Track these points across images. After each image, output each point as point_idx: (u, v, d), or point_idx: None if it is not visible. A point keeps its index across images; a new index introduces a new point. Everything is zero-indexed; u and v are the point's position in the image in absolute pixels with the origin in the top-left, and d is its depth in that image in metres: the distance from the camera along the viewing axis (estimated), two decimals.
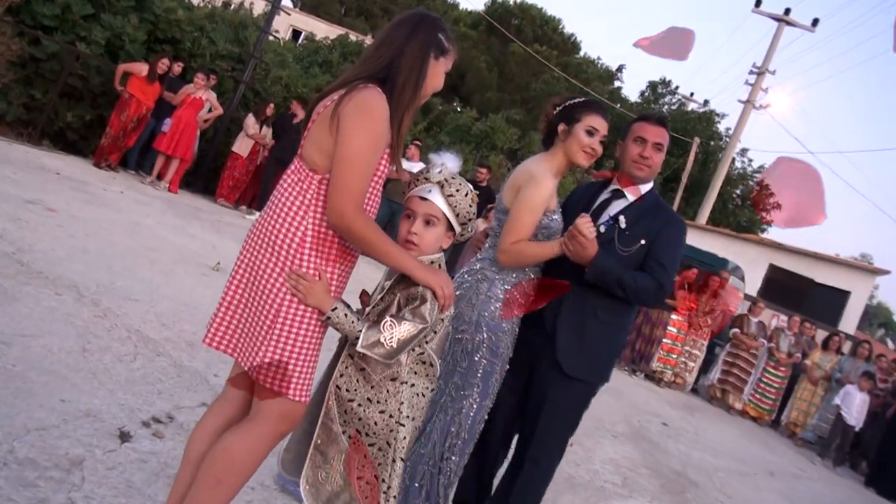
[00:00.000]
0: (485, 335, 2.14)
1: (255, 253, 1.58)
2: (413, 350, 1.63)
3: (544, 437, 2.21)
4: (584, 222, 2.06)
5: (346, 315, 1.55)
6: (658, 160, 2.29)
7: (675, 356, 8.28)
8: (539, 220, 2.16)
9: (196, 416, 2.46)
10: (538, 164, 2.23)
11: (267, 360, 1.53)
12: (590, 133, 2.21)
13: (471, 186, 1.75)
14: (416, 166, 8.38)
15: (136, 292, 3.63)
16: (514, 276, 2.19)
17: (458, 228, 1.73)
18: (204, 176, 8.73)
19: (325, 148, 1.54)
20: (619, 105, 24.10)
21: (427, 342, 1.66)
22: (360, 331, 1.54)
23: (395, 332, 1.54)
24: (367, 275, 1.74)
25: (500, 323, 2.15)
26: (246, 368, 1.57)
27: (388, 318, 1.55)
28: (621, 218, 2.23)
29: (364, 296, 1.77)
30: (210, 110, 8.11)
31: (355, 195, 1.49)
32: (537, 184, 2.15)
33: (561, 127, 2.24)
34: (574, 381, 2.20)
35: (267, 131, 8.56)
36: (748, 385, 8.52)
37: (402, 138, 1.60)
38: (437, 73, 1.65)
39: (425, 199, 1.69)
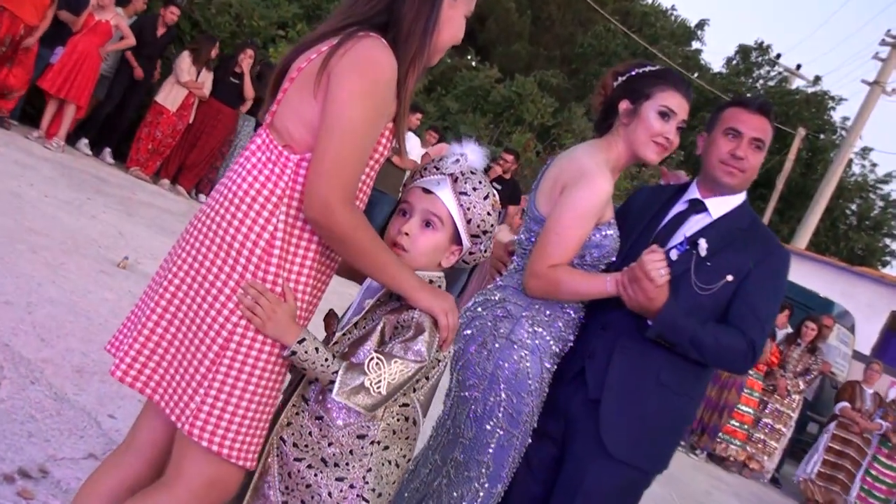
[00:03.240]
0: (502, 396, 2.13)
1: (199, 256, 1.58)
2: (396, 400, 1.64)
3: None
4: (654, 260, 2.05)
5: (316, 350, 1.55)
6: (756, 162, 2.31)
7: (748, 428, 8.31)
8: (588, 235, 2.16)
9: (81, 473, 2.46)
10: (592, 154, 2.23)
11: (206, 410, 1.54)
12: (664, 116, 2.21)
13: (493, 190, 1.76)
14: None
15: (8, 292, 3.64)
16: (549, 312, 2.19)
17: (466, 241, 1.74)
18: (105, 130, 8.66)
19: (308, 118, 1.55)
20: (695, 74, 24.22)
21: (414, 390, 1.67)
22: (336, 372, 1.55)
23: (384, 373, 1.54)
24: (331, 287, 1.74)
25: (525, 380, 2.14)
26: (172, 418, 1.58)
27: (374, 355, 1.56)
28: (701, 242, 2.22)
29: (331, 319, 1.77)
30: (121, 40, 8.14)
31: (346, 181, 1.51)
32: (590, 184, 2.13)
33: (624, 105, 2.25)
34: (621, 467, 2.20)
35: (207, 77, 8.61)
36: (856, 480, 8.35)
37: (406, 107, 1.62)
38: (454, 19, 1.66)
39: (430, 192, 1.71)
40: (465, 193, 1.71)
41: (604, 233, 2.19)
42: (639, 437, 2.20)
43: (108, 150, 8.49)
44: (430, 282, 1.69)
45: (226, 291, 1.54)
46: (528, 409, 2.15)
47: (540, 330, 2.18)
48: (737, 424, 8.27)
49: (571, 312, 2.23)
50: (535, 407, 2.18)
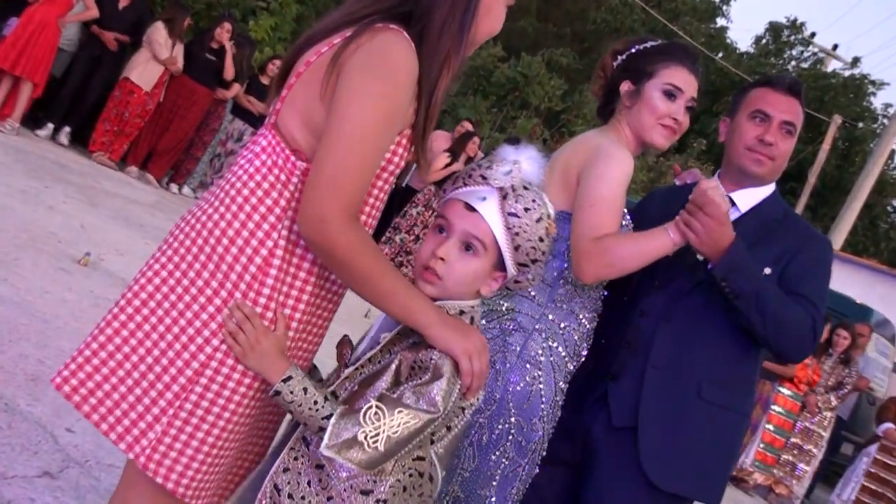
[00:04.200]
0: (512, 420, 2.10)
1: (183, 264, 1.55)
2: (409, 452, 1.54)
3: None
4: (711, 184, 2.05)
5: (304, 391, 1.49)
6: (786, 149, 2.30)
7: (778, 451, 8.30)
8: (623, 204, 2.14)
9: (34, 493, 2.45)
10: (602, 135, 2.25)
11: (166, 443, 1.51)
12: (669, 95, 2.22)
13: (551, 209, 1.66)
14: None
15: None
16: (564, 324, 2.18)
17: (512, 270, 1.65)
18: (66, 111, 8.61)
19: (315, 121, 1.51)
20: (720, 54, 24.21)
21: (432, 442, 1.57)
22: (327, 418, 1.48)
23: (384, 425, 1.45)
24: (351, 309, 1.71)
25: (538, 404, 2.11)
26: (121, 446, 1.54)
27: (372, 402, 1.47)
28: None
29: (344, 347, 1.71)
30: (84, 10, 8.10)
31: (348, 194, 1.45)
32: (613, 154, 2.13)
33: (625, 87, 2.26)
34: (665, 498, 2.17)
35: (179, 50, 8.59)
36: None
37: (434, 114, 1.57)
38: (494, 8, 1.62)
39: (473, 209, 1.60)
40: (515, 214, 1.60)
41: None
42: (687, 463, 2.17)
43: (66, 131, 8.38)
44: (461, 313, 1.61)
45: (209, 309, 1.50)
46: (538, 435, 2.12)
47: (555, 345, 2.16)
48: (762, 447, 8.21)
49: (587, 324, 2.22)
50: (546, 433, 2.15)
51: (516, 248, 1.62)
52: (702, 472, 2.20)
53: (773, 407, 8.20)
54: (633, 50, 2.29)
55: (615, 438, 2.20)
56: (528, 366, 2.12)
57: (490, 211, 1.60)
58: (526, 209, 1.60)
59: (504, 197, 1.60)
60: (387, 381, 1.55)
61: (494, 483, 2.10)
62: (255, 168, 1.54)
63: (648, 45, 2.29)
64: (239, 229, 1.51)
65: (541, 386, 2.12)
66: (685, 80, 2.22)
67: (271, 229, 1.51)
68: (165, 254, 1.59)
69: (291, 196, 1.52)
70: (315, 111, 1.51)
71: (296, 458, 1.59)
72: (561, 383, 2.17)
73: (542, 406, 2.12)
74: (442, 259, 1.58)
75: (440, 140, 8.83)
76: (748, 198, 2.30)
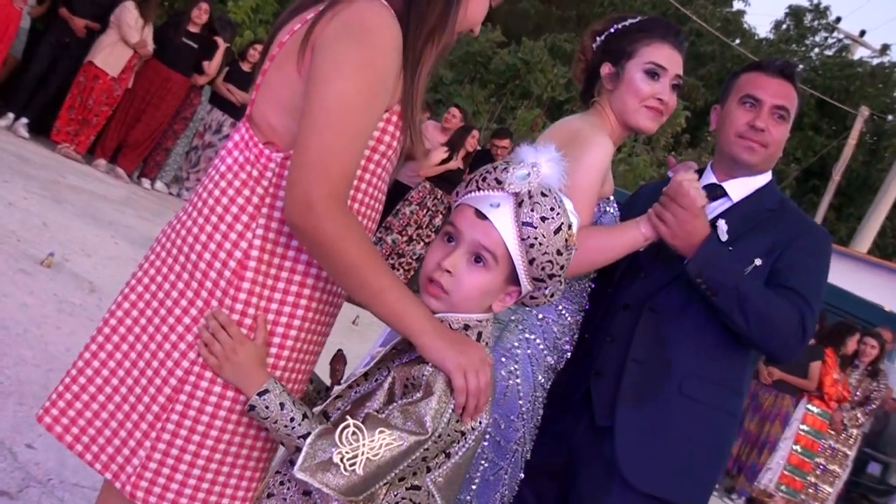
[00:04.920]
0: (486, 419, 2.12)
1: (158, 276, 1.57)
2: (399, 480, 1.51)
3: None
4: (688, 178, 2.09)
5: (281, 407, 1.48)
6: (779, 136, 2.34)
7: (805, 474, 8.18)
8: (598, 193, 2.17)
9: None
10: (582, 118, 2.30)
11: (152, 468, 1.52)
12: (652, 74, 2.24)
13: (573, 215, 1.61)
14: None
15: None
16: (542, 315, 2.21)
17: (526, 285, 1.60)
18: (28, 100, 8.53)
19: (292, 104, 1.51)
20: (736, 41, 24.24)
21: (429, 469, 1.53)
22: (304, 437, 1.46)
23: (362, 447, 1.42)
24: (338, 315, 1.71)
25: (515, 400, 2.14)
26: (107, 475, 1.56)
27: (349, 422, 1.43)
28: (721, 224, 2.27)
29: (338, 363, 1.71)
30: None
31: (334, 175, 1.43)
32: (588, 140, 2.16)
33: (605, 69, 2.30)
34: (645, 500, 2.20)
35: (148, 32, 8.52)
36: None
37: (420, 91, 1.57)
38: None
39: (484, 216, 1.56)
40: (530, 224, 1.54)
41: (603, 209, 2.22)
42: (665, 462, 2.21)
43: (22, 122, 8.22)
44: (466, 328, 1.57)
45: (185, 321, 1.52)
46: (518, 435, 2.15)
47: (532, 337, 2.19)
48: (789, 469, 8.09)
49: (568, 316, 2.24)
50: (527, 433, 2.18)
51: (531, 262, 1.57)
52: (682, 472, 2.23)
53: (802, 427, 8.08)
54: (612, 29, 2.32)
55: (599, 439, 2.23)
56: (503, 359, 2.15)
57: (503, 219, 1.55)
58: (543, 218, 1.55)
59: (519, 204, 1.55)
60: (379, 400, 1.53)
61: (474, 487, 2.12)
62: (227, 166, 1.56)
63: (627, 22, 2.32)
64: (211, 233, 1.53)
65: (518, 380, 2.14)
66: (668, 58, 2.25)
67: (245, 230, 1.52)
68: (143, 267, 1.61)
69: (266, 192, 1.53)
70: (292, 93, 1.51)
71: (282, 483, 1.58)
72: (540, 377, 2.19)
73: (521, 403, 2.14)
74: (448, 272, 1.54)
75: (433, 131, 8.80)
76: (741, 187, 2.35)
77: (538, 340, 2.19)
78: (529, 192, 1.55)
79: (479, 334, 1.59)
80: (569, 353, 2.28)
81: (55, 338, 3.81)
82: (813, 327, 2.20)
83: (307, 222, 1.42)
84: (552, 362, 2.22)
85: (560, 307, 2.23)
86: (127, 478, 1.53)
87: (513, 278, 1.59)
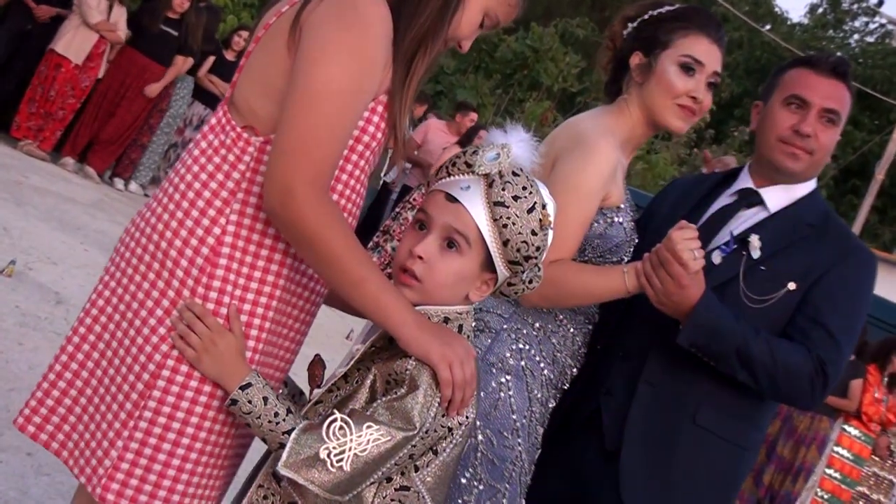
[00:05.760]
0: (478, 437, 2.14)
1: (129, 269, 1.61)
2: (387, 481, 1.57)
3: None
4: (685, 237, 2.05)
5: (264, 402, 1.54)
6: (828, 141, 2.29)
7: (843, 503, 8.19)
8: (591, 218, 2.17)
9: None
10: (594, 117, 2.31)
11: (124, 469, 1.55)
12: (687, 69, 2.23)
13: (548, 198, 1.69)
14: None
15: None
16: (539, 324, 2.22)
17: (502, 270, 1.67)
18: None
19: (276, 87, 1.56)
20: (767, 27, 24.26)
21: (417, 469, 1.59)
22: (288, 433, 1.52)
23: (350, 442, 1.48)
24: (330, 324, 1.74)
25: (508, 415, 2.15)
26: (81, 479, 1.59)
27: (337, 416, 1.50)
28: (753, 239, 2.24)
29: (316, 368, 1.76)
30: None
31: (317, 162, 1.49)
32: (588, 151, 2.16)
33: (635, 59, 2.29)
34: None
35: (120, 14, 8.42)
36: None
37: (412, 87, 1.62)
38: (473, 6, 1.71)
39: (455, 200, 1.64)
40: (503, 204, 1.62)
41: (610, 219, 2.22)
42: (669, 494, 2.21)
43: None
44: (446, 321, 1.64)
45: (157, 313, 1.56)
46: (515, 454, 2.15)
47: (526, 348, 2.19)
48: (825, 498, 8.09)
49: (570, 328, 2.25)
50: (526, 452, 2.18)
51: (505, 244, 1.64)
52: None
53: (836, 449, 8.06)
54: (647, 16, 2.31)
55: (609, 466, 2.23)
56: (493, 370, 2.16)
57: (474, 200, 1.63)
58: (515, 197, 1.63)
59: (490, 185, 1.64)
60: (361, 399, 1.60)
61: None
62: (201, 150, 1.63)
63: (664, 9, 2.30)
64: (182, 219, 1.58)
65: (510, 393, 2.16)
66: (706, 52, 2.23)
67: (218, 215, 1.57)
68: (114, 262, 1.66)
69: (242, 176, 1.59)
70: (276, 76, 1.56)
71: (265, 498, 1.61)
72: (536, 392, 2.20)
73: (514, 418, 2.15)
74: (421, 258, 1.61)
75: (437, 132, 8.78)
76: (780, 196, 2.31)
77: (533, 351, 2.19)
78: (500, 172, 1.64)
79: (461, 327, 1.66)
80: (575, 370, 2.28)
81: (17, 355, 3.80)
82: (837, 371, 2.17)
83: (287, 210, 1.48)
84: (551, 377, 2.22)
85: (560, 316, 2.24)
86: (98, 479, 1.56)
87: (488, 264, 1.66)
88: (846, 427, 8.04)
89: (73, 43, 8.23)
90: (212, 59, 9.22)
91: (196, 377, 1.56)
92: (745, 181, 2.37)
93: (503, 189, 1.62)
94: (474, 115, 9.01)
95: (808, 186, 2.33)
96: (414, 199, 8.26)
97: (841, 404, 8.02)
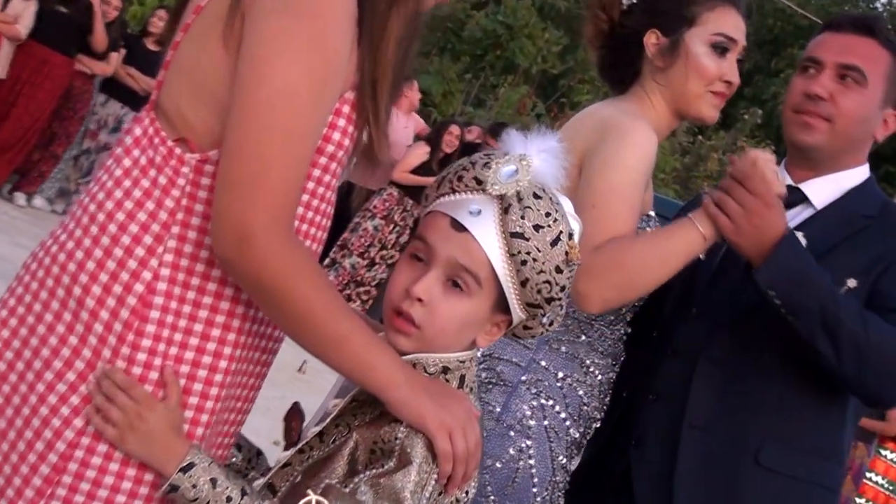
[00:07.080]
0: (474, 488, 2.10)
1: (30, 318, 1.53)
2: None
3: None
4: (765, 155, 2.07)
5: (212, 483, 1.49)
6: (851, 105, 2.25)
7: None
8: (641, 196, 2.17)
9: None
10: (617, 106, 2.31)
11: None
12: (720, 49, 2.22)
13: (574, 222, 1.63)
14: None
15: None
16: (563, 374, 2.21)
17: (518, 313, 1.63)
18: None
19: (213, 87, 1.50)
20: None
21: None
22: None
23: None
24: (280, 355, 1.78)
25: (528, 488, 2.15)
26: None
27: (311, 497, 1.45)
28: (799, 237, 2.20)
29: (294, 419, 1.72)
30: None
31: (279, 192, 1.42)
32: (625, 132, 2.16)
33: (651, 38, 2.27)
34: None
35: (24, 7, 8.34)
36: None
37: (385, 68, 1.55)
38: None
39: (462, 227, 1.57)
40: (521, 235, 1.55)
41: (646, 224, 2.27)
42: None
43: None
44: (445, 371, 1.60)
45: (68, 377, 1.49)
46: None
47: (550, 403, 2.19)
48: None
49: (598, 374, 2.26)
50: None
51: (523, 284, 1.59)
52: None
53: (868, 475, 8.17)
54: None
55: None
56: (511, 433, 2.17)
57: (486, 229, 1.57)
58: (536, 227, 1.57)
59: (506, 209, 1.57)
60: (338, 471, 1.54)
61: None
62: (124, 170, 1.54)
63: None
64: (101, 260, 1.50)
65: (531, 462, 2.16)
66: (736, 25, 2.26)
67: (148, 255, 1.50)
68: (7, 306, 1.58)
69: (177, 204, 1.51)
70: (212, 77, 1.49)
71: None
72: (561, 458, 2.20)
73: (535, 491, 2.16)
74: (420, 300, 1.56)
75: (393, 125, 8.66)
76: (826, 189, 2.33)
77: (558, 408, 2.19)
78: (518, 193, 1.57)
79: (462, 378, 1.63)
80: (598, 422, 2.26)
81: None
82: None
83: (245, 259, 1.41)
84: (576, 436, 2.20)
85: (587, 362, 2.21)
86: None
87: (501, 304, 1.61)
88: (881, 450, 8.11)
89: None
90: (123, 50, 9.17)
91: (117, 460, 1.49)
92: (783, 177, 2.30)
93: (522, 217, 1.56)
94: (415, 85, 8.96)
95: (859, 175, 2.35)
96: (374, 207, 8.18)
97: (880, 428, 8.04)
